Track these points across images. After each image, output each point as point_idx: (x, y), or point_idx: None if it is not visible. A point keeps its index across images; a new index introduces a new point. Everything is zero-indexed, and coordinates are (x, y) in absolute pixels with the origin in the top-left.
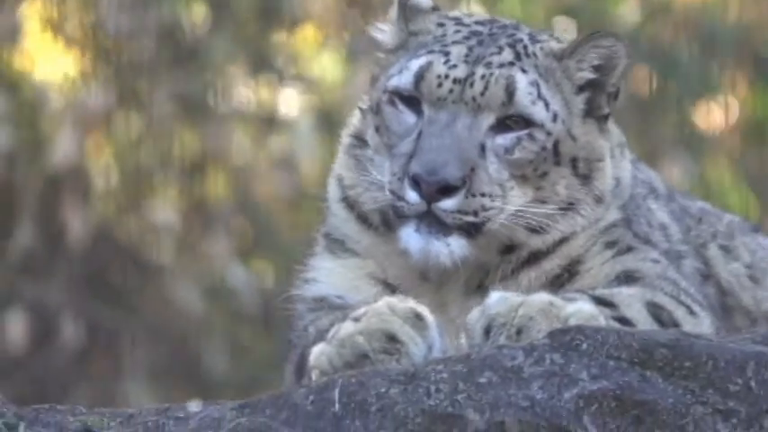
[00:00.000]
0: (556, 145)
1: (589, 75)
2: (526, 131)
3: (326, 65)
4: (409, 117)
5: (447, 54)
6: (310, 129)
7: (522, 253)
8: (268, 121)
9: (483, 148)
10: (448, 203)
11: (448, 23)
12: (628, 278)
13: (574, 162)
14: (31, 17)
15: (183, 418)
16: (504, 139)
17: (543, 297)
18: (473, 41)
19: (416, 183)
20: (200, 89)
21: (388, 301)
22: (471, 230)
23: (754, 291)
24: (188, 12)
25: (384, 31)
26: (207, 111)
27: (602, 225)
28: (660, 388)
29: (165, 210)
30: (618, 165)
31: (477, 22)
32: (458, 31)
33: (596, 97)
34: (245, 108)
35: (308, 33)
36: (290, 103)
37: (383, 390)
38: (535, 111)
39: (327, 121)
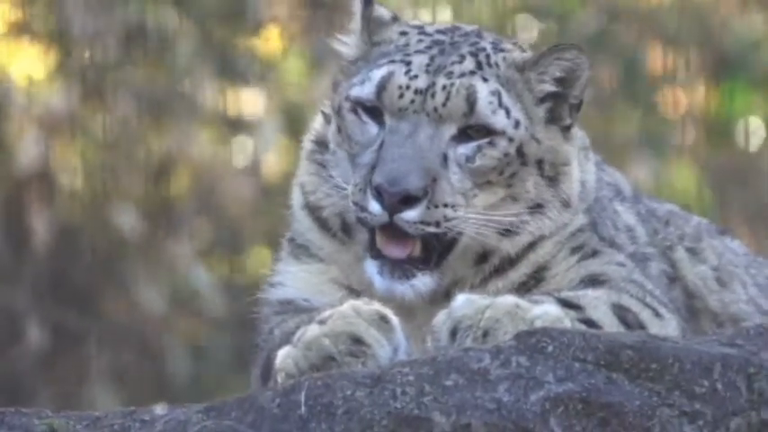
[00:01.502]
0: (520, 148)
1: (550, 87)
2: (487, 140)
3: (291, 68)
4: (371, 127)
5: (408, 64)
6: (274, 131)
7: (495, 261)
8: (233, 124)
9: (445, 159)
10: (410, 214)
11: (411, 32)
12: (593, 281)
13: (540, 164)
14: None
15: (148, 421)
16: (465, 149)
17: (509, 299)
18: (435, 51)
19: (379, 193)
20: (166, 91)
21: (353, 303)
22: (440, 260)
23: (720, 293)
24: (154, 13)
25: (346, 43)
26: (172, 113)
27: (568, 231)
28: (626, 390)
29: (129, 212)
30: (582, 168)
31: (438, 31)
32: (420, 41)
33: (558, 108)
34: (211, 110)
35: (272, 36)
36: (254, 105)
37: (349, 392)
38: (496, 120)
39: (292, 123)
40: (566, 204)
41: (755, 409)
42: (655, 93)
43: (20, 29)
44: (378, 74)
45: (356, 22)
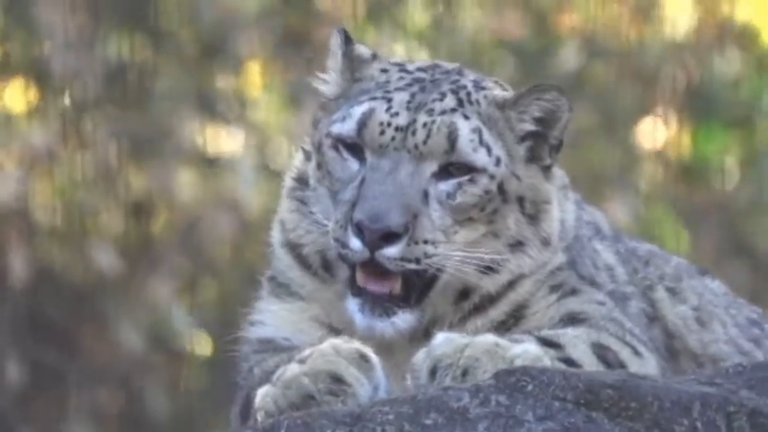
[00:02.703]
0: (501, 185)
1: (530, 126)
2: (468, 177)
3: (269, 106)
4: (353, 164)
5: (389, 101)
6: (252, 169)
7: (475, 299)
8: (212, 162)
9: (426, 195)
10: (391, 251)
11: (391, 70)
12: (573, 320)
13: (521, 201)
14: None
15: None
16: (446, 186)
17: (489, 338)
18: (415, 88)
19: (360, 230)
20: (146, 129)
21: (333, 342)
22: (421, 297)
23: (700, 333)
24: (133, 52)
25: (326, 81)
26: (152, 150)
27: (548, 269)
28: (606, 429)
29: (108, 250)
30: (562, 207)
31: (419, 69)
32: (401, 78)
33: (538, 147)
34: (190, 148)
35: (251, 73)
36: (233, 143)
37: (329, 431)
38: (477, 157)
39: (270, 161)
40: (545, 243)
41: None
42: (630, 131)
43: None
44: (359, 110)
45: (336, 61)
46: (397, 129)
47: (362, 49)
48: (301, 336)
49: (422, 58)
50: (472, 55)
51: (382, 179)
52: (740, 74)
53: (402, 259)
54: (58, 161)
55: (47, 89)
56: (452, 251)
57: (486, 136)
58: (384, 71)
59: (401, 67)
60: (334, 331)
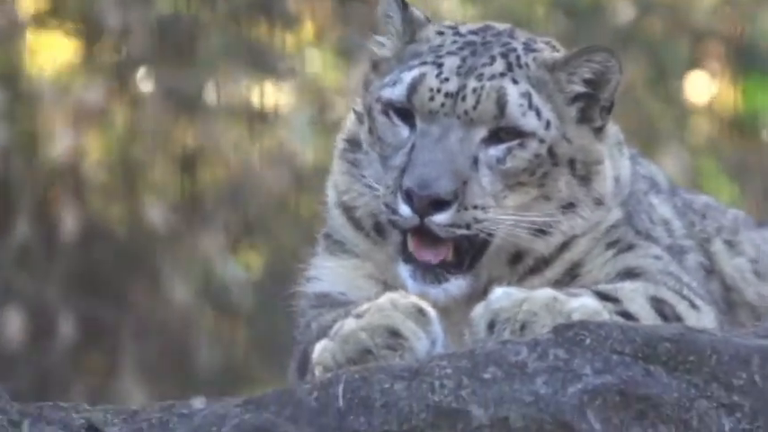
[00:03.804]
0: (551, 148)
1: (580, 88)
2: (517, 141)
3: (321, 61)
4: (403, 129)
5: (440, 66)
6: (305, 124)
7: (529, 261)
8: (262, 117)
9: (476, 161)
10: (440, 218)
11: (447, 33)
12: (629, 274)
13: (572, 163)
14: (27, 10)
15: (187, 414)
16: (496, 151)
17: (547, 292)
18: (467, 52)
19: (409, 197)
20: (196, 84)
21: (390, 296)
22: (473, 263)
23: (758, 286)
24: (184, 8)
25: (382, 44)
26: (201, 106)
27: (603, 227)
28: (664, 382)
29: (158, 206)
30: (617, 164)
31: (471, 32)
32: (453, 42)
33: (589, 109)
34: (240, 103)
35: (302, 29)
36: (285, 98)
37: (387, 385)
38: (527, 122)
39: (324, 116)
40: (598, 203)
41: None
42: (680, 85)
43: (51, 21)
44: (409, 76)
45: (392, 23)
46: (447, 95)
47: (417, 13)
48: (357, 291)
49: (470, 15)
50: (522, 12)
51: (432, 146)
52: None
53: (452, 225)
54: (109, 117)
55: (98, 44)
56: (503, 215)
57: (536, 99)
58: (440, 33)
59: (455, 30)
60: (390, 288)
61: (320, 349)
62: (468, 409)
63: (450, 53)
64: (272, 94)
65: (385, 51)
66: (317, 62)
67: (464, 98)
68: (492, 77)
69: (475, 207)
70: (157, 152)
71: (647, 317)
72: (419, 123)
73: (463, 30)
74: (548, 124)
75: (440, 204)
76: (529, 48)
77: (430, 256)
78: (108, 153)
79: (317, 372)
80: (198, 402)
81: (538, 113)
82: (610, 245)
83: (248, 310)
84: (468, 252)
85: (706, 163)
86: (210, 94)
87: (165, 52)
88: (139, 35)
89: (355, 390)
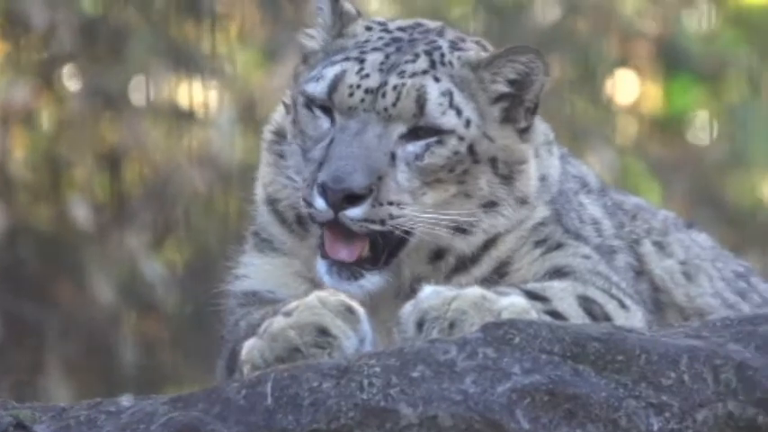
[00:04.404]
0: (471, 146)
1: (504, 88)
2: (436, 138)
3: (247, 60)
4: (324, 123)
5: (362, 62)
6: (230, 123)
7: (450, 259)
8: (188, 116)
9: (393, 157)
10: (354, 212)
11: (375, 28)
12: (558, 274)
13: (493, 162)
14: None
15: (114, 412)
16: (414, 147)
17: (476, 291)
18: (392, 48)
19: (324, 191)
20: (122, 82)
21: (318, 294)
22: (390, 258)
23: (687, 287)
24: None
25: (311, 36)
26: (127, 104)
27: (529, 224)
28: (593, 382)
29: (82, 203)
30: (543, 163)
31: (399, 28)
32: (380, 38)
33: (512, 109)
34: (165, 102)
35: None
36: (209, 97)
37: (315, 384)
38: (446, 120)
39: (248, 116)
40: (522, 202)
41: (722, 400)
42: (605, 84)
43: None
44: (331, 72)
45: (322, 16)
46: (366, 91)
47: (349, 6)
48: (286, 290)
49: (392, 14)
50: (444, 11)
51: (349, 140)
52: (712, 29)
53: (366, 220)
54: (34, 115)
55: (24, 42)
56: (421, 213)
57: (458, 98)
58: (368, 29)
59: (383, 27)
60: (317, 285)
61: (249, 347)
62: (397, 407)
63: (375, 49)
64: (199, 93)
65: (314, 44)
66: (244, 62)
67: (384, 95)
68: (414, 75)
69: (390, 203)
70: (83, 151)
71: (576, 316)
72: (338, 118)
73: (392, 26)
74: (468, 122)
75: (353, 199)
76: (455, 46)
77: (344, 254)
78: (33, 151)
79: (246, 370)
80: (125, 400)
81: (458, 112)
82: (538, 243)
83: (172, 308)
84: (384, 248)
85: (632, 162)
86: (136, 93)
87: (91, 51)
88: (65, 33)
89: (284, 388)
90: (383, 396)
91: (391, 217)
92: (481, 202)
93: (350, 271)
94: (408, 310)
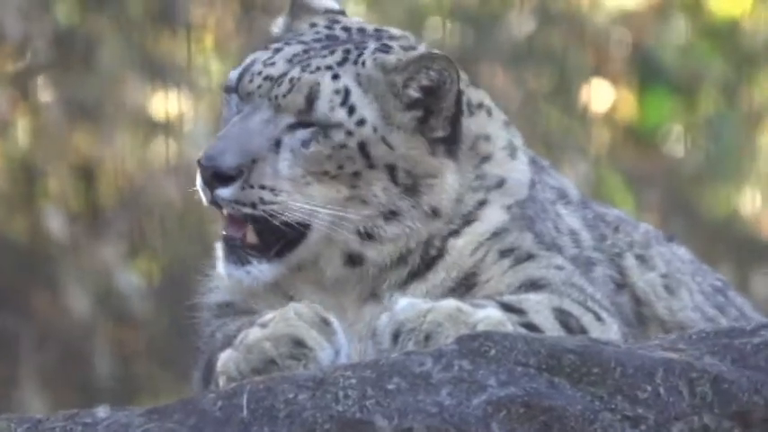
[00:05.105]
0: (363, 147)
1: (417, 94)
2: (322, 130)
3: (221, 70)
4: (233, 108)
5: (277, 51)
6: (203, 135)
7: (368, 267)
8: (162, 126)
9: (278, 144)
10: (224, 192)
11: (318, 25)
12: (533, 286)
13: (391, 170)
14: None
15: (90, 423)
16: (300, 134)
17: (451, 303)
18: (319, 44)
19: (199, 169)
20: (96, 93)
21: (294, 306)
22: (284, 251)
23: (668, 301)
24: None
25: (278, 25)
26: (101, 115)
27: (481, 230)
28: (568, 394)
29: (57, 214)
30: (503, 166)
31: (345, 28)
32: (316, 33)
33: (428, 117)
34: (138, 113)
35: (202, 39)
36: (183, 108)
37: (291, 395)
38: (333, 116)
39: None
40: (432, 215)
41: (698, 413)
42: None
43: None
44: (247, 59)
45: (288, 7)
46: (266, 78)
47: (317, 1)
48: (257, 300)
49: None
50: (419, 22)
51: (237, 122)
52: (686, 41)
53: (237, 202)
54: (9, 126)
55: None
56: (303, 204)
57: (356, 97)
58: (313, 25)
59: (327, 25)
60: (287, 296)
61: (224, 359)
62: (373, 419)
63: (300, 42)
64: (174, 104)
65: (276, 32)
66: (219, 72)
67: (280, 84)
68: (316, 70)
69: (262, 187)
70: (58, 161)
71: (552, 329)
72: (239, 104)
73: (339, 26)
74: (361, 122)
75: (223, 179)
76: (378, 49)
77: (232, 229)
78: (9, 162)
79: (222, 381)
80: (101, 411)
81: (351, 110)
82: (504, 253)
83: (147, 319)
84: (276, 238)
85: (607, 174)
86: (111, 104)
87: (65, 61)
88: (40, 44)
89: (259, 400)
90: (359, 408)
91: (262, 201)
92: (380, 209)
93: (237, 255)
94: (384, 321)
